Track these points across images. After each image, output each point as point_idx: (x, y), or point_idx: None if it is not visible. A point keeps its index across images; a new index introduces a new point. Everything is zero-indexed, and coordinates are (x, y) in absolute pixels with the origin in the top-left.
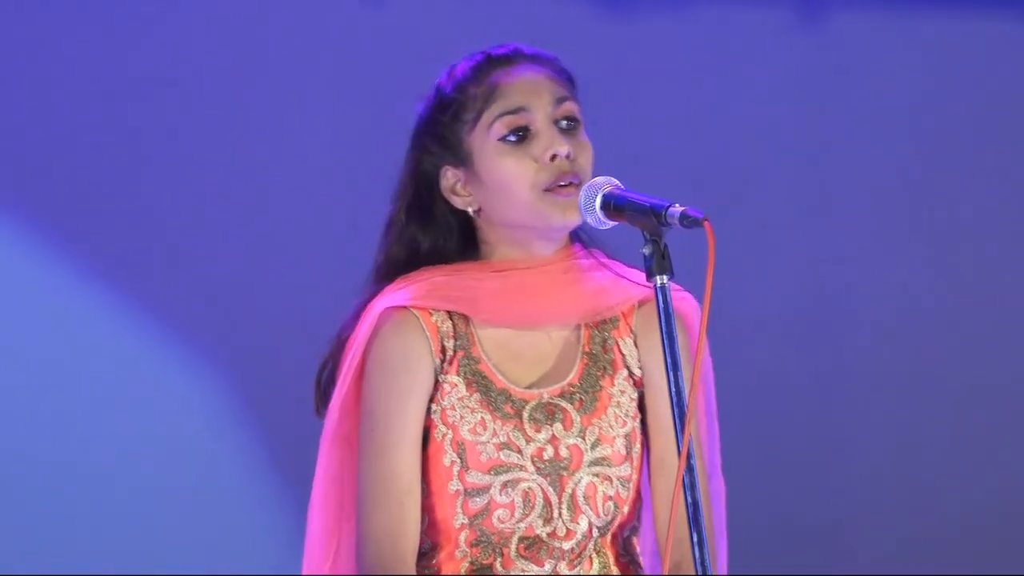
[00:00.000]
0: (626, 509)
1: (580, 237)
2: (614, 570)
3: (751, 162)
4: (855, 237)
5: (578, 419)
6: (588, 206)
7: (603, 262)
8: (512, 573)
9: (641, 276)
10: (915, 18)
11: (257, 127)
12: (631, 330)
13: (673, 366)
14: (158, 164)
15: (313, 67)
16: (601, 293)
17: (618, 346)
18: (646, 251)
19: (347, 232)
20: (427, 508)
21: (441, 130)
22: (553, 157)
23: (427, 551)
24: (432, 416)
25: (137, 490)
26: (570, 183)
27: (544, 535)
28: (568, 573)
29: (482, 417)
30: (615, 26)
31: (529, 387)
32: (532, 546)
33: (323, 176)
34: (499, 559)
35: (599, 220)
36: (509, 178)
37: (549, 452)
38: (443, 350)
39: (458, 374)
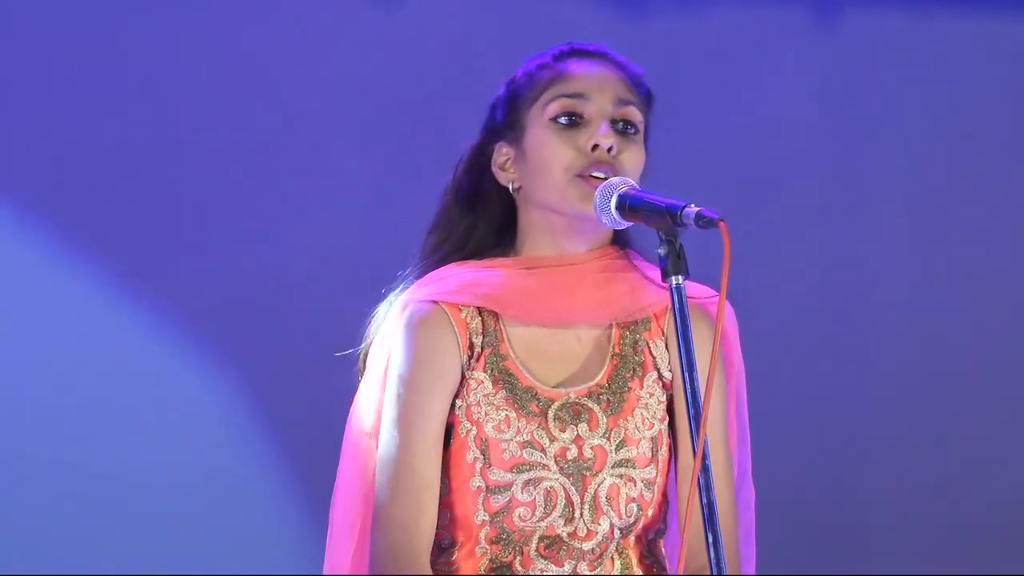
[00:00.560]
0: (650, 512)
1: (619, 238)
2: (637, 571)
3: (766, 162)
4: (871, 238)
5: (604, 420)
6: (603, 206)
7: (635, 263)
8: (531, 572)
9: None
10: (931, 18)
11: (280, 129)
12: (663, 332)
13: (688, 367)
14: (174, 164)
15: (330, 67)
16: (633, 294)
17: (649, 348)
18: (662, 251)
19: (363, 232)
20: (448, 504)
21: (507, 106)
22: (595, 147)
23: (447, 547)
24: (457, 412)
25: (148, 489)
26: (605, 176)
27: (564, 535)
28: (588, 574)
29: (507, 415)
30: (629, 26)
31: (556, 386)
32: (552, 545)
33: (339, 176)
34: (519, 557)
35: (614, 220)
36: (548, 156)
37: (573, 452)
38: (471, 346)
39: (485, 371)
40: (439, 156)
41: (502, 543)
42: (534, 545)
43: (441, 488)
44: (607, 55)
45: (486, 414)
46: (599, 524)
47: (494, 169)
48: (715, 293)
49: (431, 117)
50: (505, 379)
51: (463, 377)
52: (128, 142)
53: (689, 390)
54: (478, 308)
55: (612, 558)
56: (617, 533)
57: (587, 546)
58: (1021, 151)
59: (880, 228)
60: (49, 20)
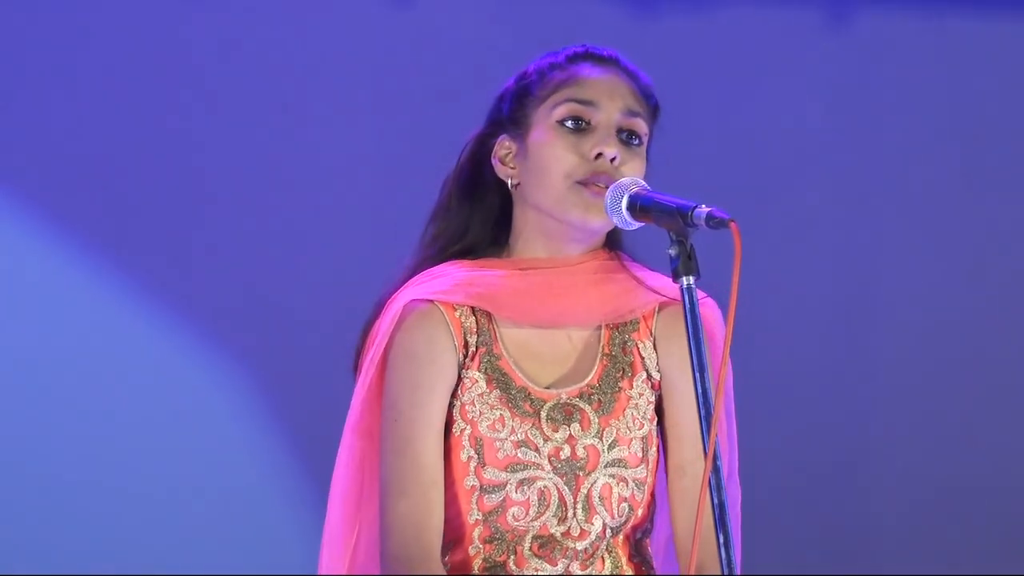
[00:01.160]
0: (640, 511)
1: (610, 240)
2: (627, 570)
3: (776, 162)
4: (882, 238)
5: (596, 420)
6: (614, 207)
7: (626, 265)
8: (525, 572)
9: (665, 281)
10: (941, 19)
11: (293, 130)
12: (651, 333)
13: (700, 367)
14: (185, 165)
15: (340, 69)
16: (625, 295)
17: (638, 349)
18: (672, 252)
19: (376, 232)
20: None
21: (514, 101)
22: (598, 156)
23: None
24: (451, 411)
25: (158, 489)
26: (605, 185)
27: (558, 534)
28: (580, 573)
29: (501, 414)
30: (641, 26)
31: (548, 387)
32: (546, 545)
33: (350, 177)
34: (512, 557)
35: (625, 221)
36: (550, 160)
37: (566, 452)
38: (466, 345)
39: (479, 370)
40: (451, 157)
41: (495, 542)
42: (527, 544)
43: None
44: (619, 62)
45: (480, 413)
46: (592, 523)
47: (494, 161)
48: (706, 295)
49: (441, 117)
50: (499, 379)
51: (458, 375)
52: (143, 142)
53: (700, 390)
54: (472, 308)
55: (603, 557)
56: (609, 532)
57: (580, 545)
58: None
59: (890, 229)
60: (55, 21)
